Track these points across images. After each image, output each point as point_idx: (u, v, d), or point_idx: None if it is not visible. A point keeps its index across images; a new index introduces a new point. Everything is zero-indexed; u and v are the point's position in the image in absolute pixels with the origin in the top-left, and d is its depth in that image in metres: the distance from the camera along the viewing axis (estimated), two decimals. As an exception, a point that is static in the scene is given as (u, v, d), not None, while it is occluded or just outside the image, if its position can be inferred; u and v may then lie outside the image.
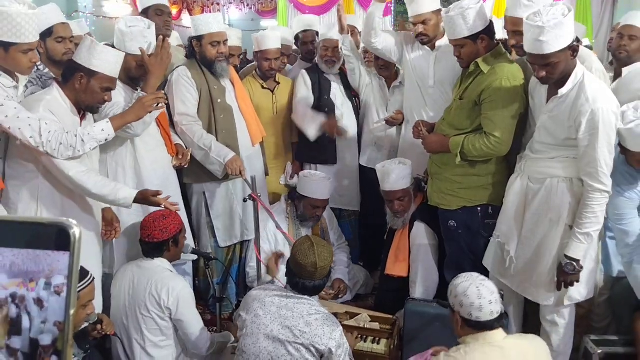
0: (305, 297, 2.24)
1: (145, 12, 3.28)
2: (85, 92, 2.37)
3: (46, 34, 2.74)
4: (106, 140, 2.36)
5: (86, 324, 2.08)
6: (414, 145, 3.18)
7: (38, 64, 2.74)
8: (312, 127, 3.58)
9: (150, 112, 2.49)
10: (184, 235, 2.71)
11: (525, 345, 1.93)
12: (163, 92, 2.46)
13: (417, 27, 3.11)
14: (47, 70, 2.74)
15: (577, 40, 2.86)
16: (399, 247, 3.19)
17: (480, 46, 2.63)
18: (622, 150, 2.39)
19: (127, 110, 2.45)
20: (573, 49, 2.22)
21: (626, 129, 2.28)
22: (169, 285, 2.48)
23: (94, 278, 1.94)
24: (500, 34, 3.26)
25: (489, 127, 2.58)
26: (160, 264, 2.60)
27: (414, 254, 3.11)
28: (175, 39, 4.22)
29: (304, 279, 2.22)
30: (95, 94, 2.37)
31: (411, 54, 3.32)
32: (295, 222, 3.47)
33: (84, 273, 1.87)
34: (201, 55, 3.16)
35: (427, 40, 3.15)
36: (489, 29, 2.63)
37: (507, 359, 1.83)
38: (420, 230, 3.10)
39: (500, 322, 1.90)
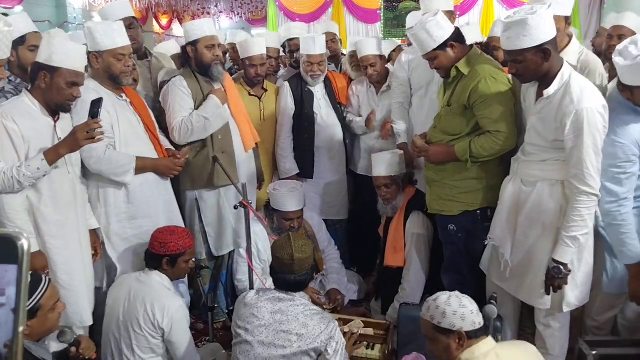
0: (296, 296, 2.22)
1: None
2: (50, 90, 2.32)
3: (18, 42, 2.70)
4: (44, 176, 2.28)
5: (65, 346, 2.01)
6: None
7: (9, 75, 2.70)
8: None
9: (83, 146, 2.32)
10: (186, 260, 2.59)
11: (517, 353, 1.93)
12: (97, 119, 2.30)
13: None
14: (19, 80, 2.71)
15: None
16: (395, 237, 3.21)
17: (451, 53, 2.64)
18: (627, 90, 2.28)
19: (60, 142, 2.34)
20: (543, 51, 2.20)
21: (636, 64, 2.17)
22: (164, 305, 2.41)
23: (49, 280, 1.89)
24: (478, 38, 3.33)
25: (490, 125, 2.57)
26: (160, 279, 2.53)
27: (409, 244, 3.15)
28: (174, 48, 4.18)
29: (283, 274, 2.22)
30: (61, 91, 2.32)
31: (414, 64, 3.34)
32: (275, 234, 3.36)
33: (37, 279, 1.82)
34: (197, 60, 3.13)
35: None
36: (456, 35, 2.65)
37: None
38: (414, 219, 3.15)
39: (486, 331, 1.92)
